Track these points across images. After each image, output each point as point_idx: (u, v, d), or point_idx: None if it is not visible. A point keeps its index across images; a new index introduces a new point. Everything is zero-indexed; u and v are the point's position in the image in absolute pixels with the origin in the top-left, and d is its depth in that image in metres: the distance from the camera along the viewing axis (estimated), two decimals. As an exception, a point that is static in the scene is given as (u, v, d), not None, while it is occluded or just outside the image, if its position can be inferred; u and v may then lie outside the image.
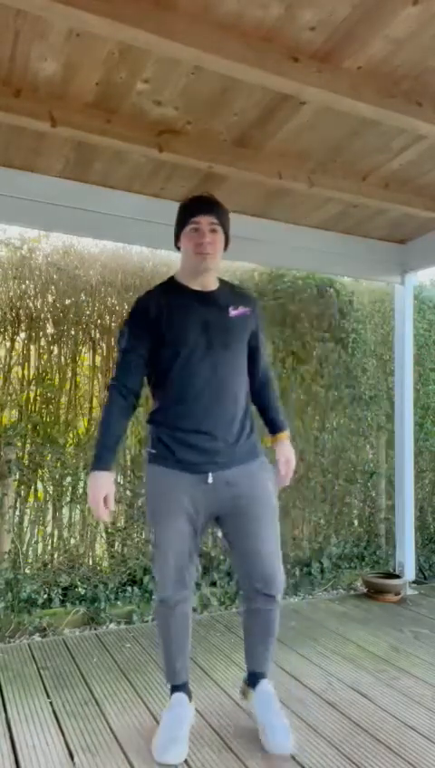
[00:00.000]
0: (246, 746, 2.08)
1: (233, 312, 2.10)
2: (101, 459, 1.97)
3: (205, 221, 2.03)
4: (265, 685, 2.15)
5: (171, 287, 2.11)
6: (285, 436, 2.29)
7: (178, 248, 2.14)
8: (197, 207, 2.06)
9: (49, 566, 3.50)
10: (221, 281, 2.19)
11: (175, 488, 2.00)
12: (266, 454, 2.22)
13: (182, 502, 1.99)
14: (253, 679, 2.18)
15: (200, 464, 2.00)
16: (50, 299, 3.66)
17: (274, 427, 2.30)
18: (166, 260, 4.02)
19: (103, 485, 1.93)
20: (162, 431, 2.04)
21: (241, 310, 2.12)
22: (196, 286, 2.09)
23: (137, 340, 2.03)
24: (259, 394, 2.26)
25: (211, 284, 2.12)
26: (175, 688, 2.14)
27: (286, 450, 2.27)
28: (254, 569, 2.03)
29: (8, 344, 3.57)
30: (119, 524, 3.73)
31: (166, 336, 2.01)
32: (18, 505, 3.47)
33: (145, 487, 2.15)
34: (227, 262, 4.18)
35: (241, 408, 2.10)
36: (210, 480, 1.99)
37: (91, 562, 3.63)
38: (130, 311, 2.11)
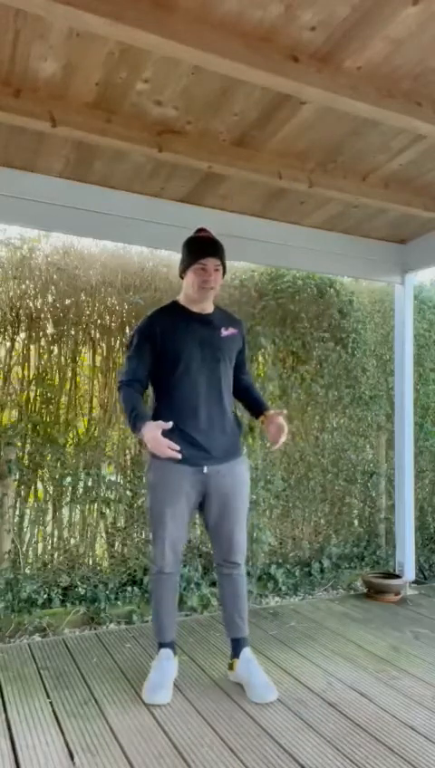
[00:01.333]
0: (247, 746, 2.09)
1: (224, 333, 2.54)
2: (141, 416, 2.32)
3: (211, 263, 2.43)
4: (247, 653, 2.55)
5: (176, 309, 2.54)
6: (271, 412, 2.64)
7: (182, 278, 2.53)
8: (203, 251, 2.44)
9: (49, 566, 3.51)
10: (215, 306, 2.61)
11: (177, 477, 2.41)
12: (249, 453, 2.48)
13: (184, 487, 2.42)
14: (236, 649, 2.56)
15: (198, 458, 2.42)
16: (50, 299, 3.65)
17: (260, 407, 2.70)
18: (166, 260, 4.02)
19: (155, 428, 2.25)
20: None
21: (231, 331, 2.57)
22: (196, 309, 2.52)
23: (143, 348, 2.45)
24: (245, 390, 2.73)
25: (208, 308, 2.55)
26: (162, 645, 2.54)
27: (277, 419, 2.58)
28: (228, 546, 2.54)
29: (8, 344, 3.57)
30: (119, 524, 3.73)
31: (169, 348, 2.43)
32: (18, 505, 3.47)
33: (148, 476, 2.52)
34: (228, 262, 4.18)
35: (229, 412, 2.57)
36: (205, 471, 2.44)
37: (91, 562, 3.63)
38: (140, 324, 2.51)
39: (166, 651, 2.54)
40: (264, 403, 2.74)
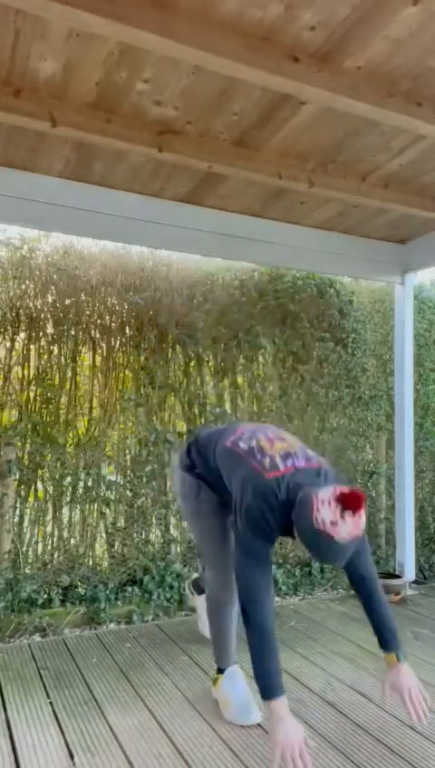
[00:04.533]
0: (247, 746, 2.09)
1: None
2: (280, 685, 1.95)
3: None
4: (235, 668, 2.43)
5: (287, 518, 2.04)
6: (393, 659, 2.20)
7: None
8: (332, 559, 1.92)
9: (49, 566, 3.50)
10: None
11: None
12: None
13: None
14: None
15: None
16: (50, 299, 3.66)
17: (381, 638, 2.22)
18: (166, 260, 4.02)
19: (298, 734, 1.88)
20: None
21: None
22: None
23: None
24: (369, 607, 2.22)
25: None
26: (227, 666, 2.41)
27: (403, 678, 2.17)
28: None
29: (8, 344, 3.57)
30: (119, 524, 3.73)
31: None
32: (18, 505, 3.47)
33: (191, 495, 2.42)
34: (228, 262, 4.19)
35: None
36: None
37: (91, 562, 3.63)
38: (257, 525, 2.03)
39: (234, 668, 2.41)
40: (385, 636, 2.20)
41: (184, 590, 3.54)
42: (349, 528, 1.81)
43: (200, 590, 3.01)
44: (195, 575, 3.03)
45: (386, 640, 2.20)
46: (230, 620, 2.39)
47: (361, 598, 2.23)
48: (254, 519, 2.01)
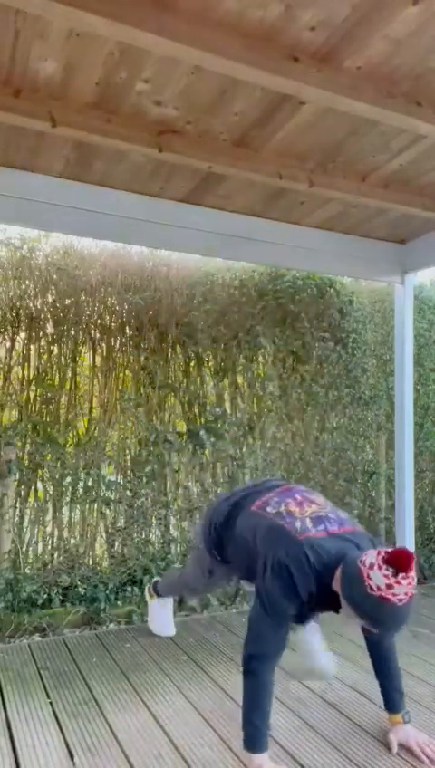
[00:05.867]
0: (246, 746, 2.09)
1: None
2: (264, 742, 1.94)
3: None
4: None
5: (321, 586, 1.94)
6: (398, 720, 2.17)
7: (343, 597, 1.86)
8: (390, 625, 1.83)
9: (49, 566, 3.51)
10: None
11: None
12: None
13: None
14: None
15: None
16: (50, 299, 3.66)
17: (386, 699, 2.20)
18: (166, 260, 4.02)
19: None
20: None
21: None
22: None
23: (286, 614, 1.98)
24: (383, 670, 2.20)
25: None
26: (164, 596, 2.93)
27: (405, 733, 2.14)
28: None
29: (8, 344, 3.57)
30: (119, 524, 3.73)
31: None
32: (18, 505, 3.47)
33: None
34: (228, 262, 4.19)
35: None
36: None
37: (91, 562, 3.63)
38: (285, 586, 1.93)
39: (169, 600, 2.61)
40: (394, 697, 2.17)
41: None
42: (405, 589, 1.75)
43: (157, 593, 3.06)
44: (155, 578, 3.12)
45: (395, 702, 2.17)
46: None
47: (374, 659, 2.18)
48: (283, 578, 1.91)
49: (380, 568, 1.75)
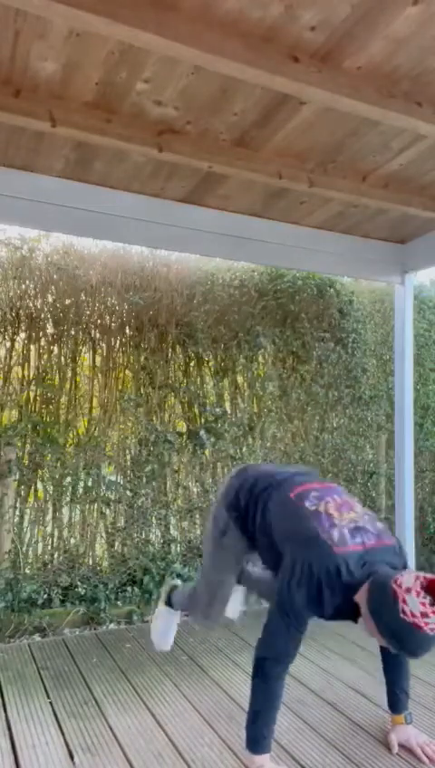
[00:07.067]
0: (246, 746, 2.09)
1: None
2: (267, 743, 1.96)
3: None
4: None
5: (346, 600, 1.90)
6: (401, 720, 2.18)
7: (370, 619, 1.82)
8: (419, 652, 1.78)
9: (49, 566, 3.51)
10: None
11: None
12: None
13: None
14: None
15: None
16: (50, 299, 3.66)
17: (390, 700, 2.21)
18: (166, 260, 4.02)
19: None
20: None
21: None
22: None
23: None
24: (393, 673, 2.21)
25: None
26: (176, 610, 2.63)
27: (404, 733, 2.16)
28: None
29: (8, 344, 3.57)
30: (119, 524, 3.73)
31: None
32: (18, 505, 3.47)
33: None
34: (228, 262, 4.19)
35: None
36: None
37: (91, 562, 3.63)
38: (311, 596, 1.89)
39: (178, 614, 2.44)
40: (400, 697, 2.18)
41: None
42: None
43: (169, 602, 2.77)
44: (173, 583, 2.88)
45: (400, 702, 2.17)
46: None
47: (385, 659, 2.16)
48: (310, 589, 1.86)
49: (417, 594, 1.69)
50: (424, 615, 1.67)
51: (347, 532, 1.94)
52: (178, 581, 2.98)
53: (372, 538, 1.97)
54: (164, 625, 2.73)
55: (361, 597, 1.83)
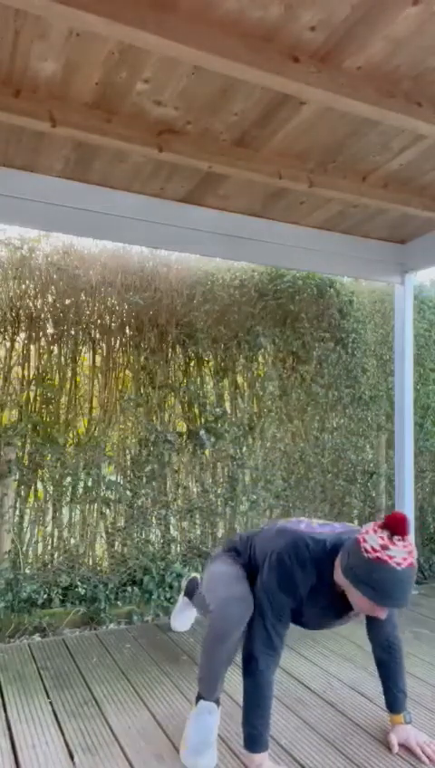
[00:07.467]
0: (246, 746, 2.09)
1: (354, 618, 2.13)
2: (265, 741, 1.95)
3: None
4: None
5: (322, 580, 1.94)
6: (400, 720, 2.18)
7: (345, 580, 1.84)
8: (399, 599, 1.76)
9: (49, 566, 3.51)
10: None
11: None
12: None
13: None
14: None
15: None
16: (50, 299, 3.66)
17: (388, 700, 2.20)
18: (166, 260, 4.02)
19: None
20: None
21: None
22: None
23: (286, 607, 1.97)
24: (388, 672, 2.20)
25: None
26: (205, 699, 2.09)
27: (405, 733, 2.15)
28: None
29: (8, 344, 3.57)
30: (119, 524, 3.73)
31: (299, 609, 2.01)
32: (18, 505, 3.47)
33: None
34: (228, 262, 4.19)
35: None
36: None
37: (91, 562, 3.63)
38: (283, 578, 1.93)
39: (209, 705, 2.08)
40: (398, 697, 2.17)
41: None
42: (402, 552, 1.70)
43: (188, 593, 2.95)
44: (194, 574, 3.02)
45: (398, 702, 2.17)
46: (226, 655, 2.03)
47: (381, 662, 2.17)
48: (281, 570, 1.91)
49: (374, 531, 1.77)
50: (384, 547, 1.71)
51: (316, 523, 2.10)
52: (197, 575, 3.04)
53: (341, 528, 2.07)
54: (181, 609, 3.00)
55: (338, 573, 1.87)
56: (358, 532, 1.97)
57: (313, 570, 1.91)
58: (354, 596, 1.82)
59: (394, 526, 1.74)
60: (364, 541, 1.75)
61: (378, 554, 1.71)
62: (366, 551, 1.73)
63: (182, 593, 3.03)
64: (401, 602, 1.74)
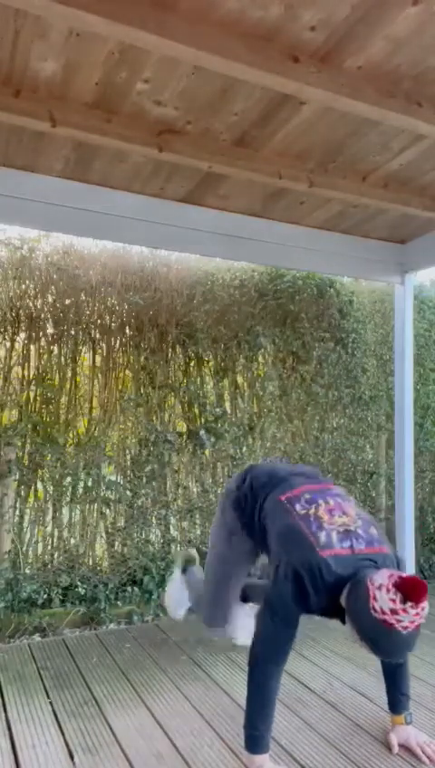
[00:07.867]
0: (246, 746, 2.09)
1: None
2: (266, 743, 1.95)
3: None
4: None
5: (332, 602, 1.88)
6: (401, 720, 2.17)
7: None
8: (398, 652, 1.80)
9: (49, 566, 3.51)
10: None
11: None
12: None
13: None
14: None
15: None
16: (50, 299, 3.66)
17: (390, 701, 2.19)
18: (166, 260, 4.02)
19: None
20: None
21: None
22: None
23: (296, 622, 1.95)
24: (393, 675, 2.18)
25: None
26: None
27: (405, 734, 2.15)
28: None
29: (8, 344, 3.57)
30: (119, 524, 3.73)
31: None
32: (18, 505, 3.47)
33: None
34: (228, 262, 4.19)
35: None
36: None
37: (91, 562, 3.63)
38: (297, 594, 1.87)
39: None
40: (401, 698, 2.16)
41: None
42: (411, 618, 1.64)
43: (183, 569, 2.92)
44: (190, 552, 2.98)
45: (400, 704, 2.15)
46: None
47: (386, 665, 2.14)
48: (296, 586, 1.85)
49: (388, 591, 1.66)
50: (394, 612, 1.64)
51: (335, 535, 1.92)
52: (194, 551, 2.99)
53: (362, 543, 1.94)
54: (177, 592, 2.83)
55: (344, 599, 1.82)
56: (380, 562, 1.89)
57: (325, 595, 1.86)
58: (355, 635, 1.81)
59: (410, 592, 1.64)
60: (374, 599, 1.68)
61: (386, 617, 1.65)
62: (374, 609, 1.67)
63: (179, 569, 2.95)
64: (399, 659, 1.75)
